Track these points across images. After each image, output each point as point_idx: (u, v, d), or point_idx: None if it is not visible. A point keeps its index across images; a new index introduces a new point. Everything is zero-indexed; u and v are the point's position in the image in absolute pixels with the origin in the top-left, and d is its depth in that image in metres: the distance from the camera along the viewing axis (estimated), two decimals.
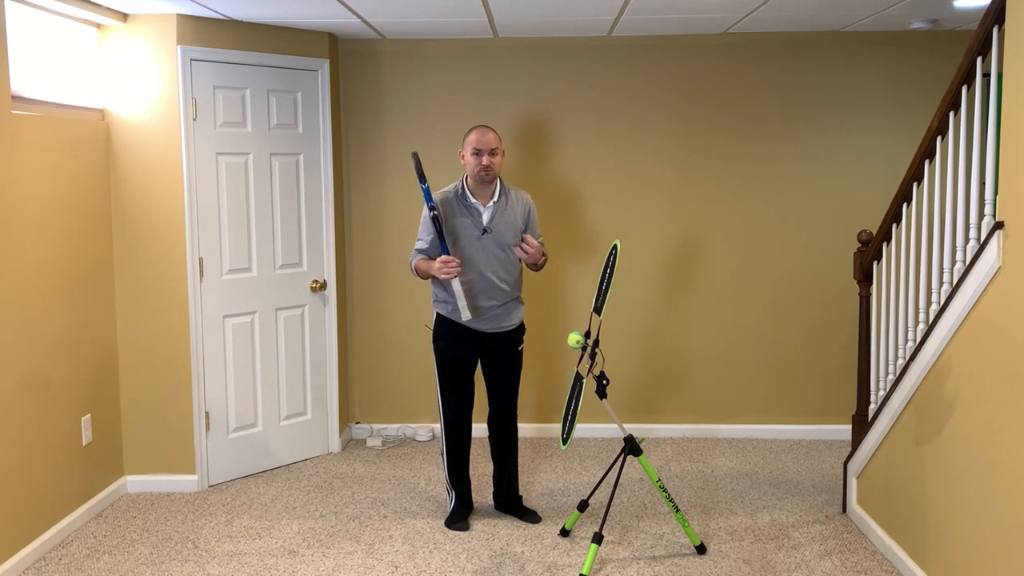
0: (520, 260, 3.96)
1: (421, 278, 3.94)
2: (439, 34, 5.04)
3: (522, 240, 3.91)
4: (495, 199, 3.89)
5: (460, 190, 3.91)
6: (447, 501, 4.19)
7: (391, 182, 5.27)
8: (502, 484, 4.20)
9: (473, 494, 4.34)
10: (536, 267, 4.01)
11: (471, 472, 4.39)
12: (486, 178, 3.83)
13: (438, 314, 4.01)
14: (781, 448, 5.18)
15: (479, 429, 4.32)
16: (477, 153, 3.81)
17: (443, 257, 3.74)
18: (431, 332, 4.05)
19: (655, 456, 5.04)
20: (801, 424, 5.38)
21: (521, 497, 4.25)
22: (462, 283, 3.82)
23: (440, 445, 4.20)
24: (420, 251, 3.93)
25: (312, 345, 5.01)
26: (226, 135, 4.55)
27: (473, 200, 3.88)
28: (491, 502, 4.31)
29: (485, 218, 3.88)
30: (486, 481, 4.47)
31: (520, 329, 4.07)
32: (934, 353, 3.29)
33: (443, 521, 4.12)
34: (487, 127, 3.89)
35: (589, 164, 5.24)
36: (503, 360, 4.04)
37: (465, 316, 3.80)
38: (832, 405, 5.32)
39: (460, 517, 4.08)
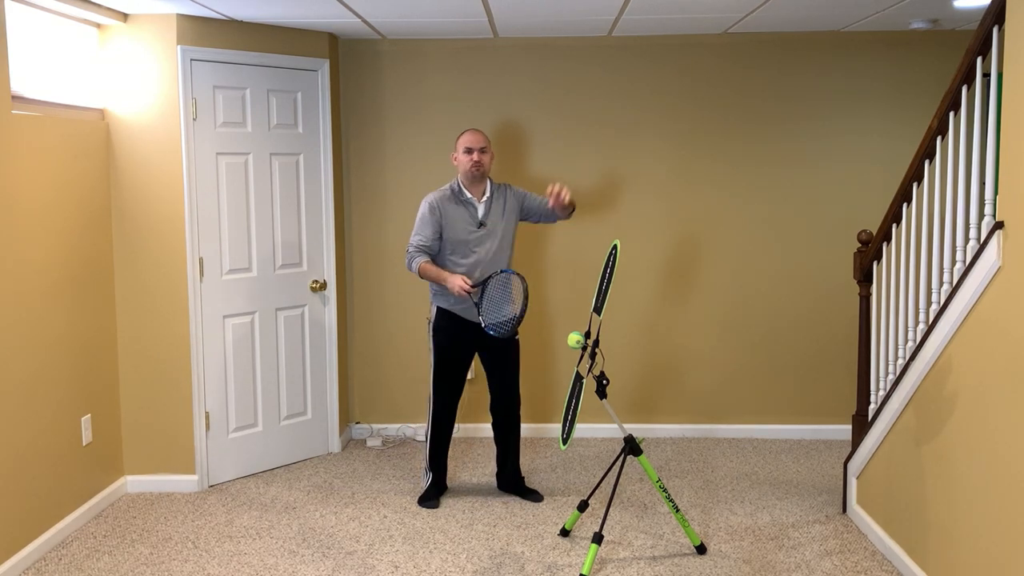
0: (553, 211, 4.19)
1: (421, 277, 4.10)
2: (439, 34, 5.04)
3: (539, 203, 4.25)
4: (487, 195, 4.18)
5: (456, 187, 4.19)
6: (423, 481, 4.50)
7: (391, 182, 5.27)
8: (506, 465, 4.43)
9: (471, 497, 4.39)
10: (568, 213, 4.22)
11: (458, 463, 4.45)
12: (476, 174, 4.14)
13: (439, 308, 4.22)
14: (781, 448, 5.18)
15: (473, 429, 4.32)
16: (469, 151, 4.13)
17: (465, 283, 3.95)
18: (430, 324, 4.28)
19: (655, 456, 5.04)
20: (801, 424, 5.38)
21: (523, 478, 4.48)
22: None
23: (425, 429, 4.40)
24: (421, 248, 4.11)
25: (312, 345, 5.01)
26: (226, 135, 4.54)
27: (468, 195, 4.16)
28: (494, 501, 4.32)
29: (480, 212, 4.17)
30: (488, 477, 4.46)
31: None
32: (934, 353, 3.29)
33: (435, 512, 4.22)
34: (478, 130, 4.24)
35: (589, 163, 5.24)
36: (502, 351, 4.26)
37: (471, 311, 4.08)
38: (832, 405, 5.32)
39: (432, 496, 4.36)
